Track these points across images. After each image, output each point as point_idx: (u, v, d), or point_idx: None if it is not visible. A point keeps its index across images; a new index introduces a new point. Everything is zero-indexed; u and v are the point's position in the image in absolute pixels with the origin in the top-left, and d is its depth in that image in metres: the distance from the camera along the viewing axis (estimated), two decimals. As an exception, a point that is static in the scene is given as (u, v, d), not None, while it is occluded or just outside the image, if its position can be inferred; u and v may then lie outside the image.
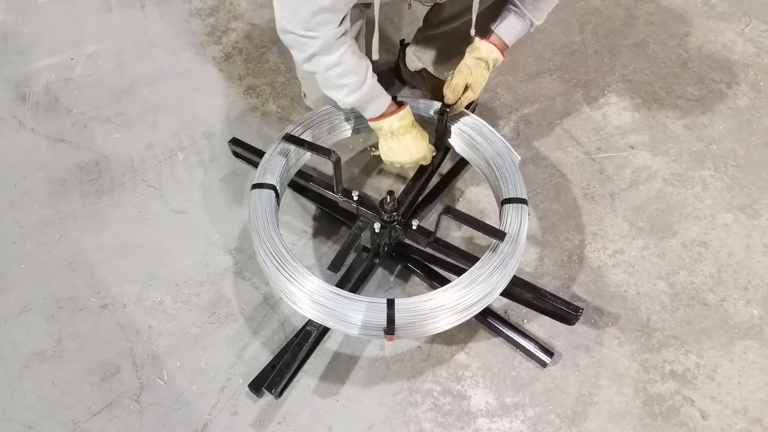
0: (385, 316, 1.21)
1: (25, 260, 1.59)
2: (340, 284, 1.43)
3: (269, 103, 1.90)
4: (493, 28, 1.42)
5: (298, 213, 1.68)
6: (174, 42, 2.05)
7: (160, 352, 1.46)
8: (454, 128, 1.51)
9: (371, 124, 1.41)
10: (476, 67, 1.42)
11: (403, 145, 1.42)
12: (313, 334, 1.35)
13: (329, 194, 1.47)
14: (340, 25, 1.22)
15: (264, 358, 1.44)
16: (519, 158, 1.44)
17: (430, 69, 1.76)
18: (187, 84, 1.95)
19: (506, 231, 1.30)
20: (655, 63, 2.05)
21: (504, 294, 1.36)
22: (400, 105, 1.41)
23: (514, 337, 1.45)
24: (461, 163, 1.74)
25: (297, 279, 1.25)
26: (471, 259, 1.35)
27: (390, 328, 1.21)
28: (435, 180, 1.70)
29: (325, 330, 1.43)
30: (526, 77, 2.00)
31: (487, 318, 1.47)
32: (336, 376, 1.44)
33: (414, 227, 1.40)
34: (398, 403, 1.40)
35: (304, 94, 1.74)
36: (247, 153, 1.69)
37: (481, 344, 1.48)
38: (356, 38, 1.59)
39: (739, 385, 1.44)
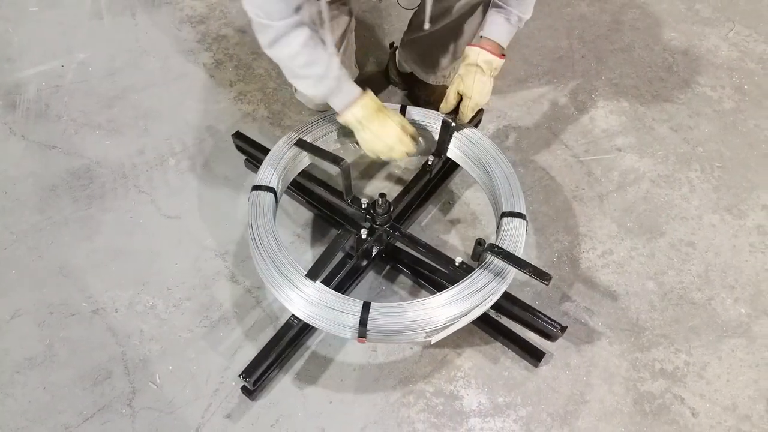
0: (370, 319, 1.22)
1: (17, 266, 1.58)
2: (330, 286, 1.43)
3: (260, 109, 1.91)
4: (480, 32, 1.43)
5: (293, 214, 1.69)
6: (165, 49, 2.06)
7: (152, 357, 1.46)
8: (456, 139, 1.51)
9: (338, 119, 1.39)
10: (467, 74, 1.43)
11: (373, 133, 1.37)
12: (300, 334, 1.35)
13: (336, 201, 1.48)
14: (295, 14, 1.22)
15: (257, 361, 1.44)
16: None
17: (416, 72, 1.78)
18: (178, 90, 1.96)
19: (505, 247, 1.31)
20: (641, 67, 2.08)
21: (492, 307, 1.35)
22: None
23: (506, 338, 1.46)
24: (453, 166, 1.75)
25: (293, 281, 1.27)
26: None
27: (362, 332, 1.23)
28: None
29: (314, 331, 1.44)
30: (515, 82, 2.02)
31: (479, 319, 1.47)
32: (329, 378, 1.44)
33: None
34: (391, 404, 1.41)
35: (295, 89, 1.75)
36: (250, 148, 1.65)
37: (473, 345, 1.49)
38: (344, 51, 1.59)
39: (728, 382, 1.46)
